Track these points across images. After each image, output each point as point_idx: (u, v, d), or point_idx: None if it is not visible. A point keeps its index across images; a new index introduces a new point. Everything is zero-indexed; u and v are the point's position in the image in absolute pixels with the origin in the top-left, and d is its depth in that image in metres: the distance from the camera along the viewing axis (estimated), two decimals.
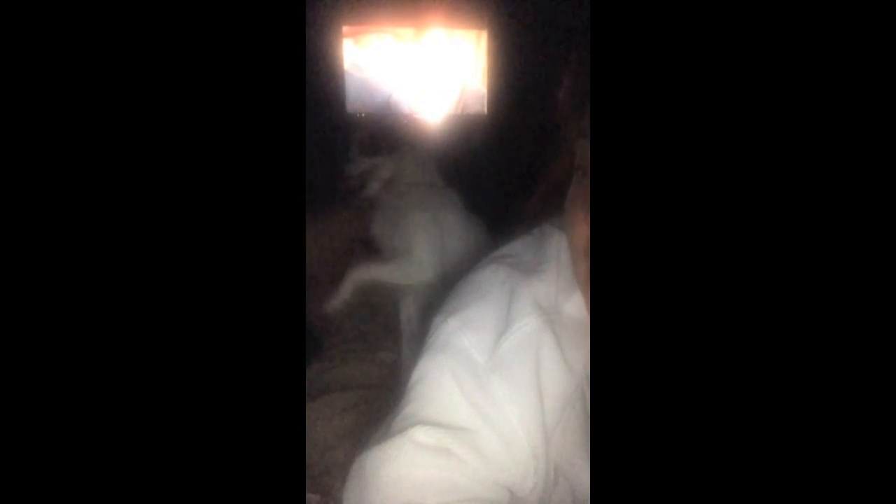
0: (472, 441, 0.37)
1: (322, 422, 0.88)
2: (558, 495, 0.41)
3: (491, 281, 0.43)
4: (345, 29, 1.88)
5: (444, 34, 1.93)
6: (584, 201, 0.36)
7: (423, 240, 1.20)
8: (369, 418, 0.88)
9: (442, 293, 0.45)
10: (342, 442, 0.86)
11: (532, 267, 0.43)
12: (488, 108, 1.99)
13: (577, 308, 0.40)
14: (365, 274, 1.18)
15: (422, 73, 1.94)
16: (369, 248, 1.25)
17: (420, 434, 0.37)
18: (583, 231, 0.36)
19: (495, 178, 1.56)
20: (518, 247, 0.47)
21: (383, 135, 1.34)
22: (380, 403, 0.91)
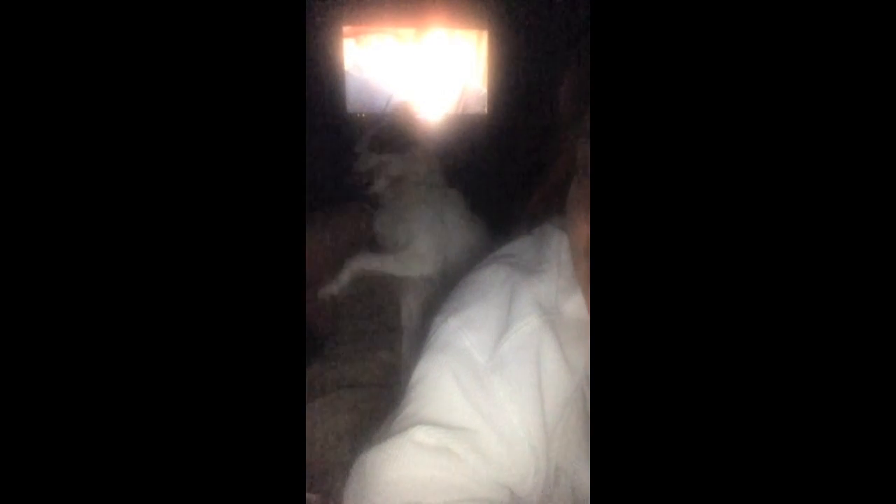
0: (473, 441, 0.37)
1: (322, 422, 0.88)
2: (559, 495, 0.41)
3: (491, 281, 0.43)
4: (345, 29, 1.88)
5: (445, 34, 1.93)
6: (584, 201, 0.36)
7: (425, 235, 1.20)
8: (369, 418, 0.89)
9: (443, 292, 0.45)
10: (342, 442, 0.86)
11: (532, 267, 0.43)
12: (488, 108, 2.00)
13: (577, 308, 0.40)
14: (364, 263, 1.18)
15: (422, 73, 1.94)
16: (372, 245, 1.26)
17: (420, 434, 0.37)
18: (583, 231, 0.36)
19: (495, 178, 1.56)
20: (518, 247, 0.47)
21: (394, 133, 1.34)
22: (380, 403, 0.91)
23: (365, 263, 1.18)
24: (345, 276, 1.16)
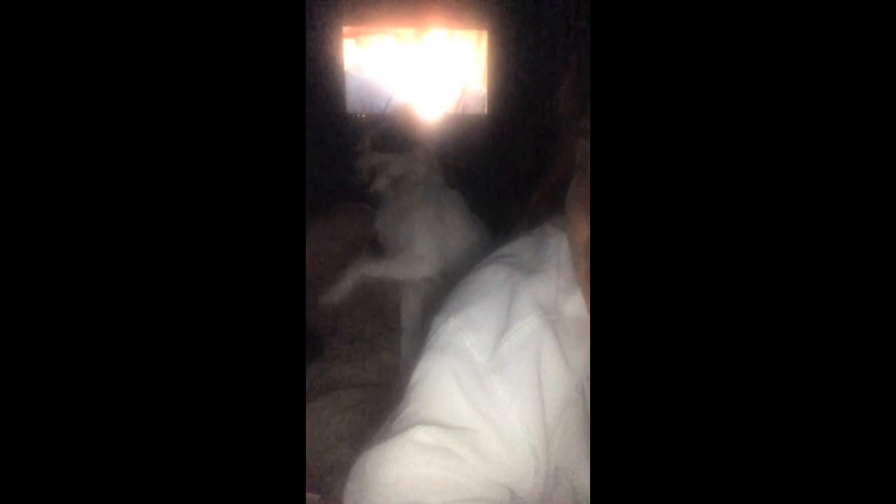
0: (473, 441, 0.37)
1: (322, 422, 0.88)
2: (559, 495, 0.41)
3: (491, 281, 0.43)
4: (345, 29, 1.88)
5: (445, 34, 1.93)
6: (584, 201, 0.36)
7: (425, 235, 1.20)
8: (369, 418, 0.89)
9: (443, 292, 0.45)
10: (342, 442, 0.86)
11: (532, 267, 0.43)
12: (488, 108, 1.99)
13: (577, 308, 0.40)
14: (366, 269, 1.18)
15: (422, 73, 1.94)
16: (372, 245, 1.26)
17: (421, 434, 0.37)
18: (583, 231, 0.36)
19: (495, 178, 1.56)
20: (518, 246, 0.47)
21: (394, 133, 1.34)
22: (380, 403, 0.91)
23: (366, 270, 1.18)
24: (347, 284, 1.16)
